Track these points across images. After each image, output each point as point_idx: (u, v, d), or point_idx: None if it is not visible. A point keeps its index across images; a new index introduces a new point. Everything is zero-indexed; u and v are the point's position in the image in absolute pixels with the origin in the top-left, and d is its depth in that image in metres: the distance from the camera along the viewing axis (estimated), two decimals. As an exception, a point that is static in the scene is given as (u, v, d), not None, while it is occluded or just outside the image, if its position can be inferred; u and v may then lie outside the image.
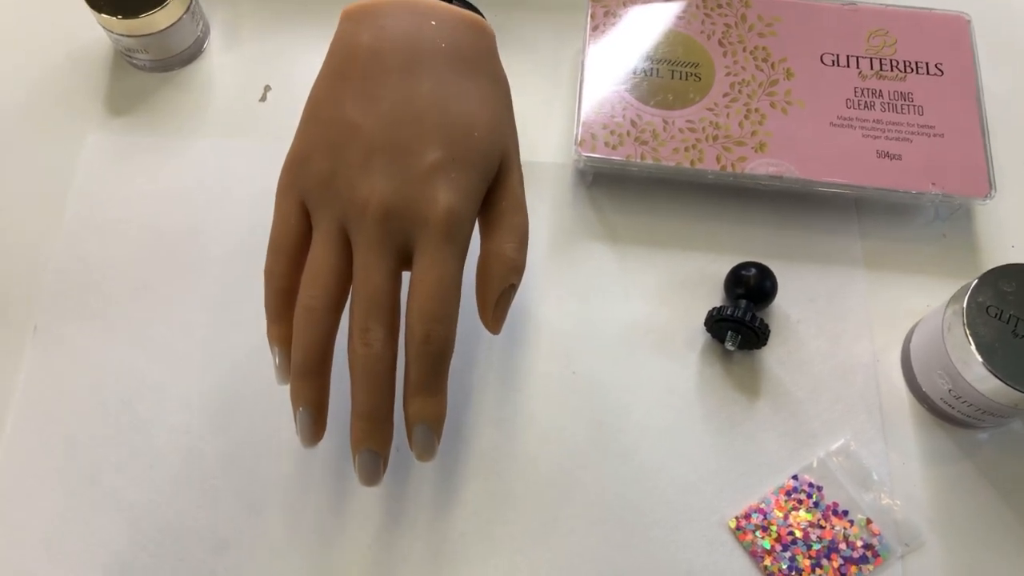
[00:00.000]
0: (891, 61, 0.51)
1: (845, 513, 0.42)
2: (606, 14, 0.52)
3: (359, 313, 0.34)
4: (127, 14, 0.48)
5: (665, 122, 0.48)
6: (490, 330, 0.36)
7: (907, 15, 0.52)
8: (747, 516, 0.42)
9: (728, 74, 0.50)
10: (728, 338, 0.44)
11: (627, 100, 0.49)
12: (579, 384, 0.45)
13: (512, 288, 0.36)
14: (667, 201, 0.50)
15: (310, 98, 0.37)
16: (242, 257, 0.48)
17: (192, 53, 0.53)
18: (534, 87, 0.53)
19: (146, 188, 0.50)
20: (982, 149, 0.48)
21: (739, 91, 0.49)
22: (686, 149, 0.48)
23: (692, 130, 0.48)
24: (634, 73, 0.50)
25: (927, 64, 0.50)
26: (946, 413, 0.44)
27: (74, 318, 0.46)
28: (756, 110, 0.49)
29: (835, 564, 0.41)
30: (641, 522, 0.42)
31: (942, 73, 0.50)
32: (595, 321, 0.47)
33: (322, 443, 0.36)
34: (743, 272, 0.46)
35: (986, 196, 0.47)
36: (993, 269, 0.41)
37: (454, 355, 0.35)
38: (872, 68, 0.50)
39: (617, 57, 0.50)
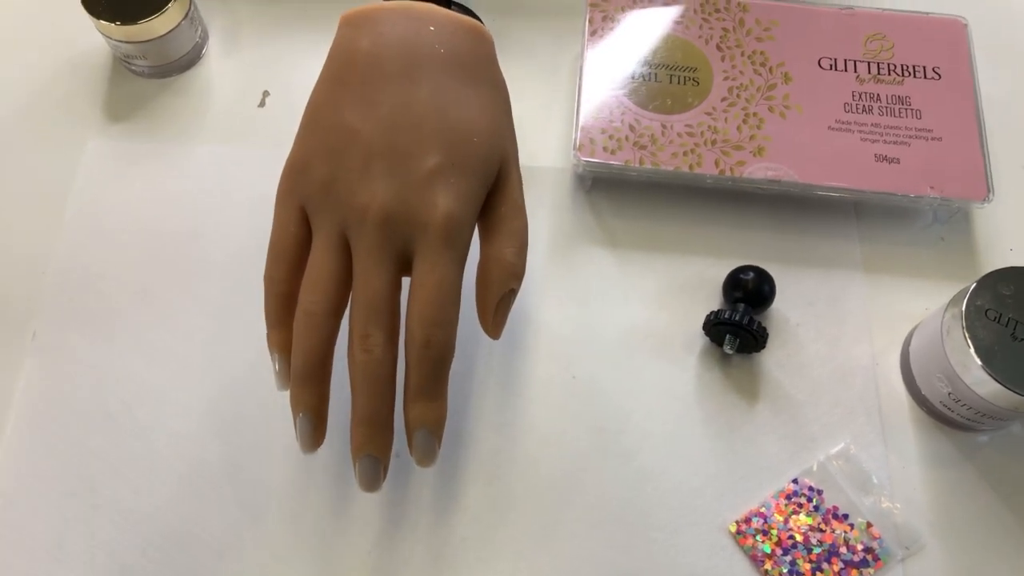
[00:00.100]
0: (889, 65, 0.51)
1: (845, 517, 0.42)
2: (604, 19, 0.52)
3: (359, 318, 0.34)
4: (126, 20, 0.48)
5: (663, 127, 0.49)
6: (490, 335, 0.36)
7: (904, 19, 0.52)
8: (747, 520, 0.42)
9: (726, 78, 0.50)
10: (727, 342, 0.44)
11: (625, 105, 0.49)
12: (579, 388, 0.45)
13: (512, 293, 0.36)
14: (666, 205, 0.50)
15: (309, 104, 0.37)
16: (242, 263, 0.48)
17: (191, 59, 0.53)
18: (533, 92, 0.53)
19: (145, 194, 0.50)
20: (980, 152, 0.48)
21: (737, 95, 0.49)
22: (685, 154, 0.48)
23: (691, 134, 0.48)
24: (632, 78, 0.50)
25: (924, 68, 0.51)
26: (945, 416, 0.44)
27: (74, 324, 0.46)
28: (754, 114, 0.49)
29: (835, 568, 0.41)
30: (642, 526, 0.42)
31: (939, 77, 0.50)
32: (595, 325, 0.47)
33: (322, 449, 0.36)
34: (742, 276, 0.46)
35: (984, 199, 0.47)
36: (991, 272, 0.41)
37: (454, 360, 0.35)
38: (870, 72, 0.50)
39: (615, 62, 0.50)
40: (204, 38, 0.54)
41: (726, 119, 0.49)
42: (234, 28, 0.55)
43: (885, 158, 0.48)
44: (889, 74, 0.50)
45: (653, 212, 0.50)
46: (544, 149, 0.51)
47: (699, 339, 0.46)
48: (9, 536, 0.41)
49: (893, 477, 0.43)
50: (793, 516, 0.42)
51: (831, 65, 0.51)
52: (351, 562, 0.41)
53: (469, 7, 0.53)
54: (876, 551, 0.42)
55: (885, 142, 0.48)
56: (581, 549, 0.42)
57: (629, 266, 0.48)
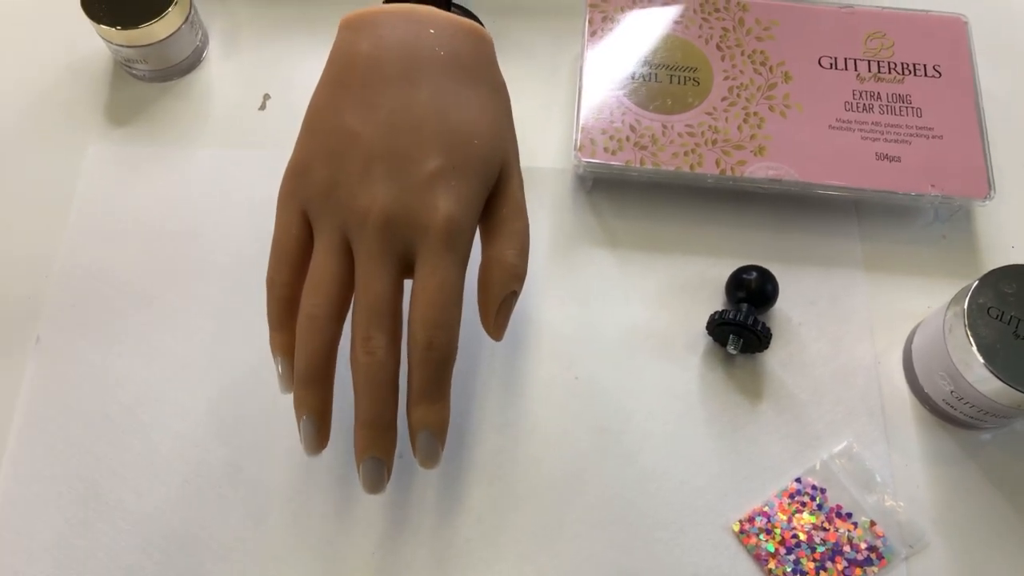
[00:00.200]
0: (889, 63, 0.51)
1: (849, 515, 0.42)
2: (604, 19, 0.52)
3: (361, 321, 0.34)
4: (126, 25, 0.48)
5: (664, 127, 0.49)
6: (492, 337, 0.36)
7: (904, 17, 0.52)
8: (751, 519, 0.42)
9: (726, 78, 0.50)
10: (730, 342, 0.44)
11: (626, 105, 0.49)
12: (581, 389, 0.45)
13: (514, 295, 0.36)
14: (667, 206, 0.50)
15: (310, 107, 0.37)
16: (243, 266, 0.48)
17: (191, 63, 0.53)
18: (533, 93, 0.53)
19: (147, 197, 0.50)
20: (981, 150, 0.48)
21: (738, 95, 0.50)
22: (685, 153, 0.48)
23: (691, 134, 0.48)
24: (632, 78, 0.50)
25: (925, 66, 0.51)
26: (948, 414, 0.44)
27: (77, 327, 0.46)
28: (755, 114, 0.49)
29: (839, 567, 0.41)
30: (645, 526, 0.42)
31: (940, 75, 0.50)
32: (596, 326, 0.47)
33: (326, 451, 0.36)
34: (744, 276, 0.46)
35: (985, 197, 0.47)
36: (993, 270, 0.41)
37: (456, 361, 0.35)
38: (870, 71, 0.50)
39: (615, 62, 0.50)
40: (204, 42, 0.54)
41: (727, 119, 0.49)
42: (234, 31, 0.55)
43: (886, 156, 0.48)
44: (889, 72, 0.50)
45: (654, 212, 0.50)
46: (545, 150, 0.51)
47: (701, 339, 0.46)
48: (11, 538, 0.41)
49: (896, 475, 0.43)
50: (797, 515, 0.42)
51: (831, 64, 0.51)
52: (354, 564, 0.41)
53: (469, 9, 0.53)
54: (880, 549, 0.42)
55: (886, 140, 0.48)
56: (584, 549, 0.42)
57: (630, 266, 0.48)
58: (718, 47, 0.51)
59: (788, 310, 0.47)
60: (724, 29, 0.52)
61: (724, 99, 0.49)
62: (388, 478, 0.35)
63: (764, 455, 0.44)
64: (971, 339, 0.39)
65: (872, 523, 0.42)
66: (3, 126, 0.52)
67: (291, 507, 0.42)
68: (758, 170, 0.47)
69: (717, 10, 0.52)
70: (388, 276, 0.34)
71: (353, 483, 0.43)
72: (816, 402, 0.45)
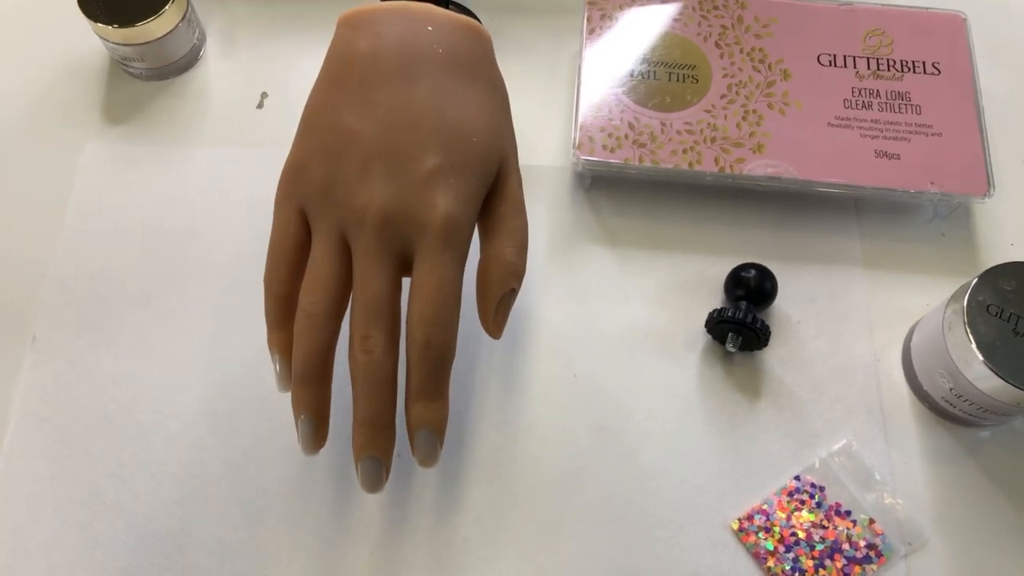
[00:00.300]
0: (888, 61, 0.51)
1: (848, 513, 0.42)
2: (602, 17, 0.52)
3: (359, 320, 0.34)
4: (123, 23, 0.48)
5: (663, 124, 0.48)
6: (491, 335, 0.36)
7: (903, 15, 0.52)
8: (750, 517, 0.42)
9: (725, 76, 0.50)
10: (729, 339, 0.44)
11: (624, 103, 0.49)
12: (580, 387, 0.45)
13: (512, 293, 0.36)
14: (666, 203, 0.50)
15: (307, 105, 0.37)
16: (242, 264, 0.48)
17: (188, 61, 0.53)
18: (531, 91, 0.53)
19: (144, 196, 0.50)
20: (980, 147, 0.48)
21: (736, 92, 0.49)
22: (684, 151, 0.48)
23: (690, 132, 0.48)
24: (631, 76, 0.50)
25: (924, 63, 0.51)
26: (948, 412, 0.44)
27: (73, 326, 0.46)
28: (754, 111, 0.49)
29: (838, 564, 0.41)
30: (644, 524, 0.42)
31: (939, 72, 0.50)
32: (596, 324, 0.47)
33: (324, 450, 0.36)
34: (743, 273, 0.46)
35: (985, 194, 0.47)
36: (993, 268, 0.41)
37: (455, 359, 0.35)
38: (869, 68, 0.50)
39: (614, 60, 0.50)
40: (202, 40, 0.54)
41: (725, 116, 0.49)
42: (232, 30, 0.55)
43: (885, 154, 0.48)
44: (888, 70, 0.50)
45: (653, 210, 0.50)
46: (543, 148, 0.51)
47: (700, 337, 0.46)
48: (7, 538, 0.41)
49: (895, 473, 0.43)
50: (796, 513, 0.42)
51: (830, 61, 0.51)
52: (353, 563, 0.41)
53: (467, 6, 0.53)
54: (879, 547, 0.41)
55: (885, 138, 0.48)
56: (583, 548, 0.42)
57: (629, 264, 0.48)
58: (717, 45, 0.51)
59: (787, 308, 0.47)
60: (723, 26, 0.52)
61: (723, 97, 0.49)
62: (386, 477, 0.35)
63: (763, 453, 0.44)
64: (970, 336, 0.39)
65: (871, 521, 0.42)
66: (0, 125, 0.52)
67: (289, 506, 0.42)
68: (757, 168, 0.47)
69: (716, 7, 0.52)
70: (386, 274, 0.34)
71: (351, 482, 0.42)
72: (815, 400, 0.45)
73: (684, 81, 0.50)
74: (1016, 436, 0.44)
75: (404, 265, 0.35)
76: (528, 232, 0.37)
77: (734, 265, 0.47)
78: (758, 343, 0.45)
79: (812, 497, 0.43)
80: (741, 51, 0.51)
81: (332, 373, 0.35)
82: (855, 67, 0.50)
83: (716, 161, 0.47)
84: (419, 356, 0.34)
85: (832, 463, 0.43)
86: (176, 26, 0.50)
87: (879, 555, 0.41)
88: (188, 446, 0.43)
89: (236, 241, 0.48)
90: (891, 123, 0.49)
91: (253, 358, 0.45)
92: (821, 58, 0.51)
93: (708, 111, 0.49)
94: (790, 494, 0.43)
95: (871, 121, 0.49)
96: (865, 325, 0.47)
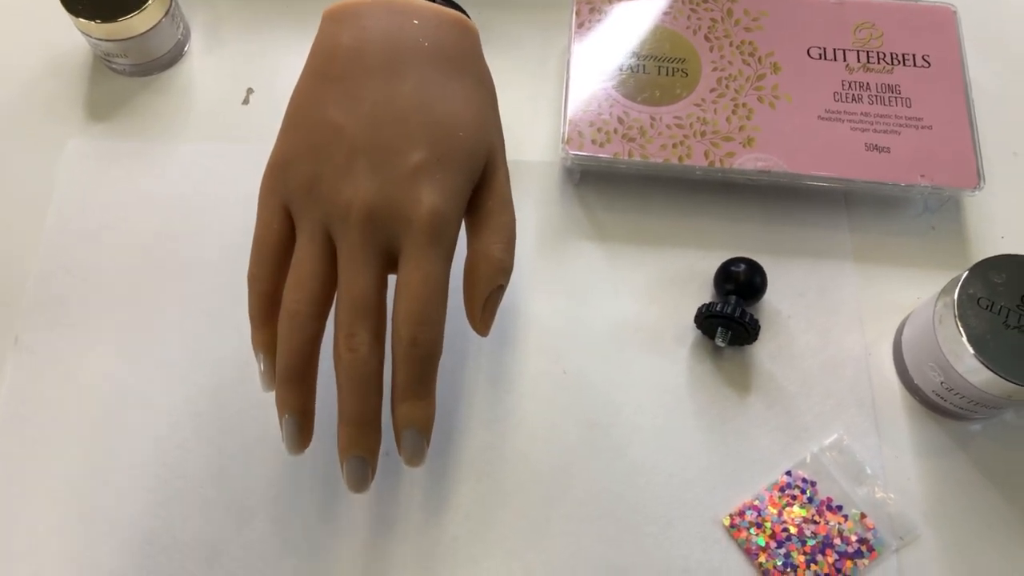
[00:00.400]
0: (878, 54, 0.50)
1: (839, 508, 0.42)
2: (591, 11, 0.51)
3: (344, 317, 0.33)
4: (106, 18, 0.48)
5: (652, 118, 0.48)
6: (478, 332, 0.36)
7: (893, 7, 0.52)
8: (741, 513, 0.42)
9: (715, 69, 0.50)
10: (718, 334, 0.44)
11: (614, 97, 0.49)
12: (569, 383, 0.45)
13: (500, 289, 0.36)
14: (655, 198, 0.49)
15: (292, 100, 0.37)
16: (226, 262, 0.47)
17: (172, 57, 0.53)
18: (519, 85, 0.52)
19: (128, 193, 0.49)
20: (970, 140, 0.48)
21: (726, 86, 0.49)
22: (674, 145, 0.47)
23: (680, 126, 0.48)
24: (620, 70, 0.50)
25: (914, 56, 0.50)
26: (938, 405, 0.44)
27: (56, 326, 0.46)
28: (743, 105, 0.49)
29: (830, 559, 0.41)
30: (634, 520, 0.42)
31: (929, 65, 0.50)
32: (585, 319, 0.46)
33: (310, 449, 0.36)
34: (732, 268, 0.46)
35: (975, 187, 0.47)
36: (983, 260, 0.41)
37: (443, 356, 0.34)
38: (859, 61, 0.50)
39: (603, 54, 0.50)
40: (186, 35, 0.53)
41: (715, 110, 0.48)
42: (216, 24, 0.55)
43: (875, 147, 0.48)
44: (879, 63, 0.50)
45: (642, 205, 0.49)
46: (532, 142, 0.51)
47: (690, 332, 0.46)
48: (-5, 542, 0.41)
49: (886, 467, 0.43)
50: (787, 508, 0.42)
51: (820, 54, 0.50)
52: (341, 563, 0.41)
53: (455, 0, 0.53)
54: (870, 542, 0.41)
55: (875, 131, 0.48)
56: (573, 545, 0.41)
57: (619, 259, 0.48)
58: (706, 38, 0.51)
59: (777, 302, 0.47)
60: (712, 20, 0.51)
61: (713, 90, 0.49)
62: (373, 476, 0.35)
63: (754, 448, 0.44)
64: (961, 330, 0.39)
65: (862, 515, 0.42)
66: (-19, 122, 0.51)
67: (275, 507, 0.42)
68: (747, 161, 0.47)
69: (705, 1, 0.52)
70: (371, 271, 0.34)
71: (338, 482, 0.42)
72: (805, 394, 0.45)
73: (673, 75, 0.49)
74: (1007, 429, 0.44)
75: (390, 261, 0.34)
76: (516, 228, 0.37)
77: (724, 259, 0.46)
78: (748, 338, 0.44)
79: (803, 492, 0.42)
80: (731, 44, 0.50)
81: (317, 372, 0.35)
82: (845, 60, 0.50)
83: (706, 155, 0.47)
84: (405, 354, 0.33)
85: (823, 458, 0.43)
86: (160, 21, 0.50)
87: (871, 550, 0.41)
88: (173, 447, 0.43)
89: (221, 238, 0.48)
90: (881, 116, 0.48)
91: (238, 357, 0.44)
92: (811, 51, 0.50)
93: (698, 105, 0.49)
94: (781, 489, 0.43)
95: (861, 114, 0.48)
96: (855, 319, 0.47)
